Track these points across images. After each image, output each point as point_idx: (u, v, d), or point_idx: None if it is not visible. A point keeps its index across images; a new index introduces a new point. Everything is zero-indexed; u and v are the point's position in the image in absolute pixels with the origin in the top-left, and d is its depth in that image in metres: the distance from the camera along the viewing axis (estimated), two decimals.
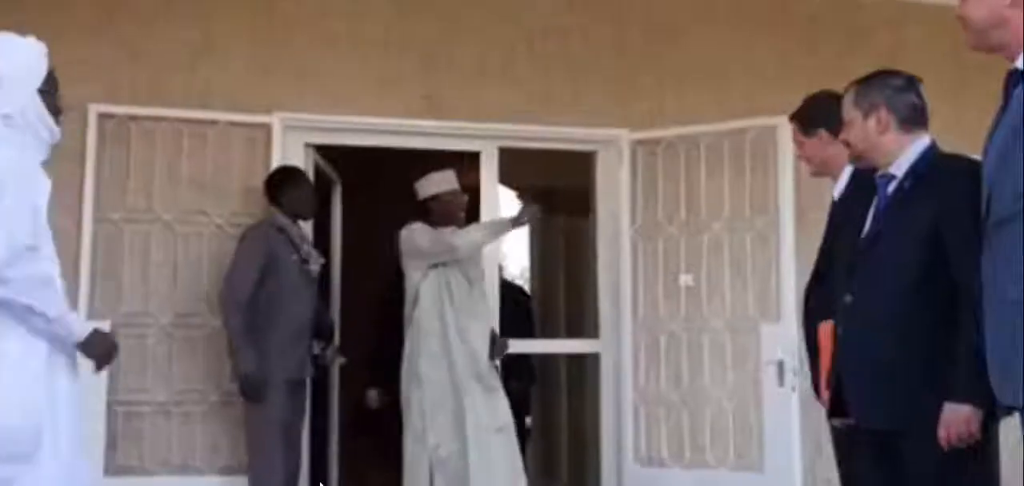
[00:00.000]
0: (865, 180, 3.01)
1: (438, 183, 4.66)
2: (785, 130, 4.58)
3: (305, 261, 4.47)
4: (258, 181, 4.72)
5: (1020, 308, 2.12)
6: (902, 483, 2.72)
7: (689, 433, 4.89)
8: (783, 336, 4.62)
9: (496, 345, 4.67)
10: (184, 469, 4.61)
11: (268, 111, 4.84)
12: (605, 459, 5.15)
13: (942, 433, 2.57)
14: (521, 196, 6.71)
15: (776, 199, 4.78)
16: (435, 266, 4.51)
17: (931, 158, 2.84)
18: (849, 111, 2.92)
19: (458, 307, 4.48)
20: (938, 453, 2.59)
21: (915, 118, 2.87)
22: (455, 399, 4.43)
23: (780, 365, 4.60)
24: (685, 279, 4.94)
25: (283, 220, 4.46)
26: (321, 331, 4.72)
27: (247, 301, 4.27)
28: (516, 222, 4.56)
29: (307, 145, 5.00)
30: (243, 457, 4.53)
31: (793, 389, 4.56)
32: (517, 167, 5.49)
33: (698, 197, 4.98)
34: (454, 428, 4.40)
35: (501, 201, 5.36)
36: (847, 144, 2.98)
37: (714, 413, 4.85)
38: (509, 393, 4.64)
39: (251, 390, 4.27)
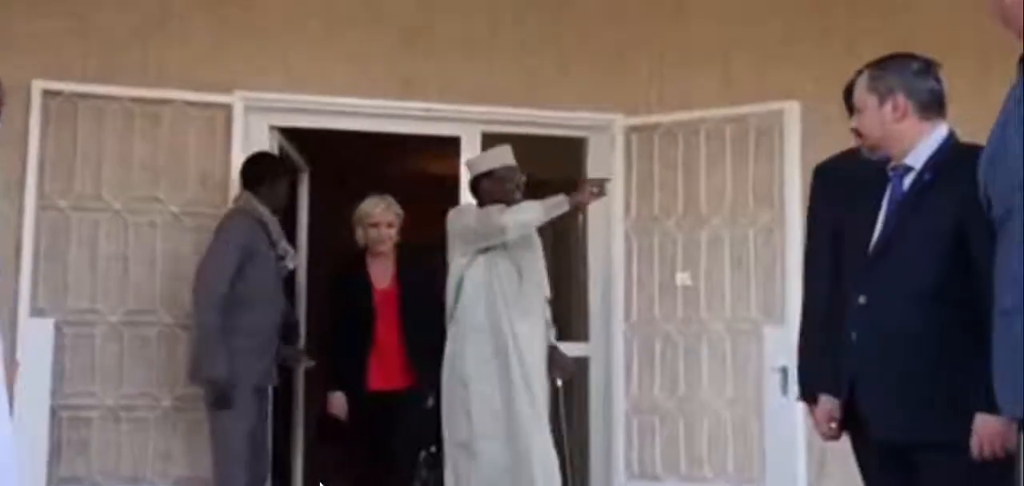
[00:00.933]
0: (860, 168, 3.00)
1: (492, 159, 4.46)
2: (793, 115, 4.72)
3: (281, 258, 4.41)
4: (217, 166, 4.68)
5: (1013, 317, 2.12)
6: None
7: (685, 445, 4.87)
8: (788, 340, 4.41)
9: (556, 362, 4.47)
10: (135, 480, 4.55)
11: (228, 90, 4.76)
12: (594, 473, 5.11)
13: (975, 444, 2.53)
14: None
15: (782, 191, 4.76)
16: (484, 251, 4.33)
17: (951, 148, 2.80)
18: (862, 96, 2.88)
19: (507, 301, 4.30)
20: (958, 469, 2.57)
21: (934, 105, 2.83)
22: (506, 406, 4.24)
23: (784, 372, 4.56)
24: (682, 277, 4.92)
25: (263, 211, 4.37)
26: (287, 333, 4.64)
27: (223, 297, 4.18)
28: (576, 200, 4.30)
29: (272, 128, 4.93)
30: (198, 467, 4.49)
31: (798, 398, 4.44)
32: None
33: (697, 188, 4.95)
34: (506, 438, 4.23)
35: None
36: (858, 133, 2.94)
37: (712, 424, 4.83)
38: None
39: (220, 397, 4.18)
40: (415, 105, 4.97)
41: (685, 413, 4.88)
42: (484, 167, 4.44)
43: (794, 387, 4.42)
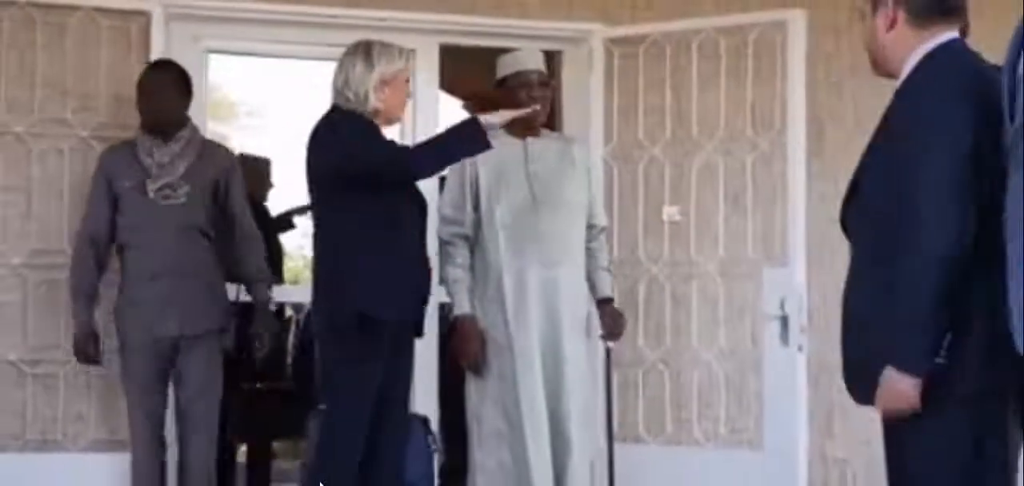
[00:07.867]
0: None
1: (502, 66, 4.35)
2: (797, 26, 4.70)
3: (162, 187, 4.28)
4: (133, 87, 4.49)
5: None
6: None
7: (672, 402, 4.90)
8: (790, 283, 4.64)
9: None
10: (43, 445, 4.57)
11: None
12: None
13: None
14: (467, 106, 6.65)
15: (784, 113, 4.75)
16: None
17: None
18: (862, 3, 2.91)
19: None
20: None
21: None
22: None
23: (785, 320, 4.62)
24: (670, 212, 4.93)
25: (138, 134, 4.36)
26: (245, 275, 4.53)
27: (98, 237, 4.33)
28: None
29: (197, 38, 4.88)
30: (117, 430, 4.55)
31: (800, 349, 4.61)
32: (461, 70, 5.37)
33: (688, 110, 4.94)
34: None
35: (442, 112, 5.28)
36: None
37: (703, 378, 4.86)
38: None
39: (77, 352, 4.35)
40: (363, 14, 4.88)
41: (672, 366, 4.90)
42: (497, 75, 4.34)
43: (796, 335, 4.60)
